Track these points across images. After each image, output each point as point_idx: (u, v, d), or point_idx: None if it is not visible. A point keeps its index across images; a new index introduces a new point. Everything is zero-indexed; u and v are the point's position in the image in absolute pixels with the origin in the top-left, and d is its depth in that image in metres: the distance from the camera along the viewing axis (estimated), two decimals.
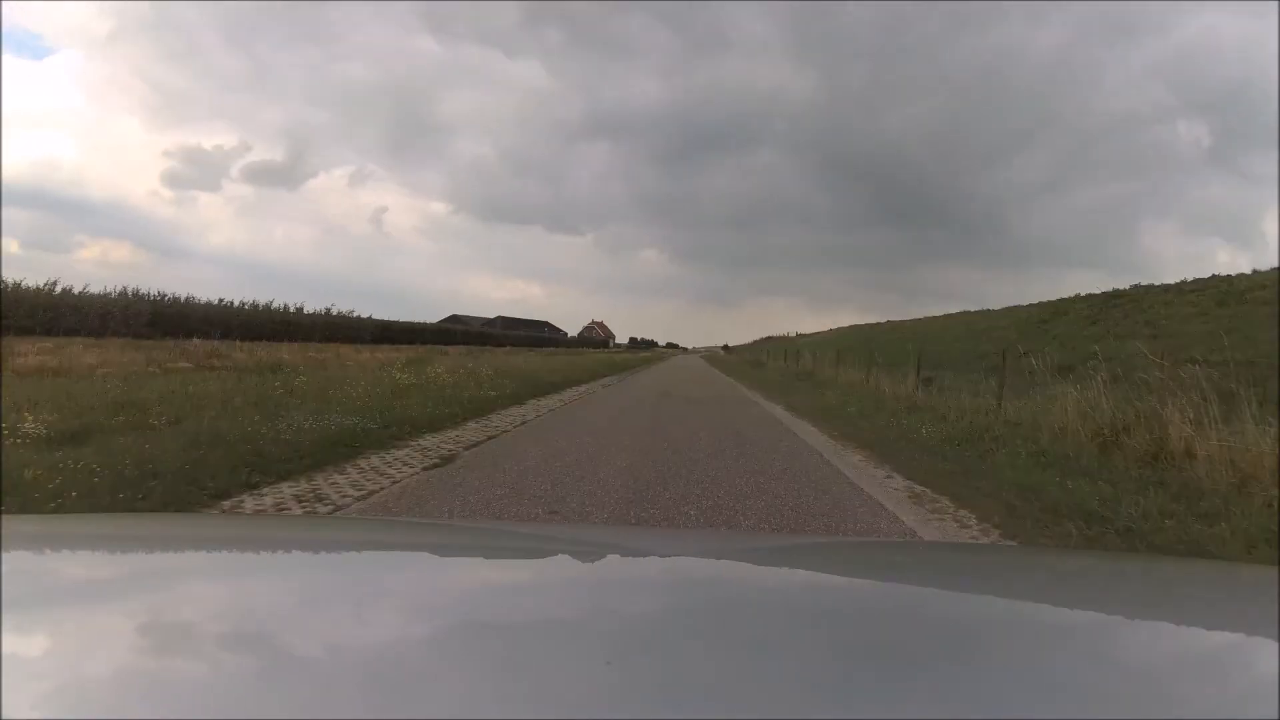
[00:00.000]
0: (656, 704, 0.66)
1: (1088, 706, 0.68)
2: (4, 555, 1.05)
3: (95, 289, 34.66)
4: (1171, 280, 27.69)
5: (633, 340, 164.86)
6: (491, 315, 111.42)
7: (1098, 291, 30.17)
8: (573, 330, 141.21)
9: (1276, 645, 0.86)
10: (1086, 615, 1.05)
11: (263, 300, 43.84)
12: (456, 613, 0.95)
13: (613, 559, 1.35)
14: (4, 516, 3.51)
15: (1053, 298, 33.27)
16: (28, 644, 0.76)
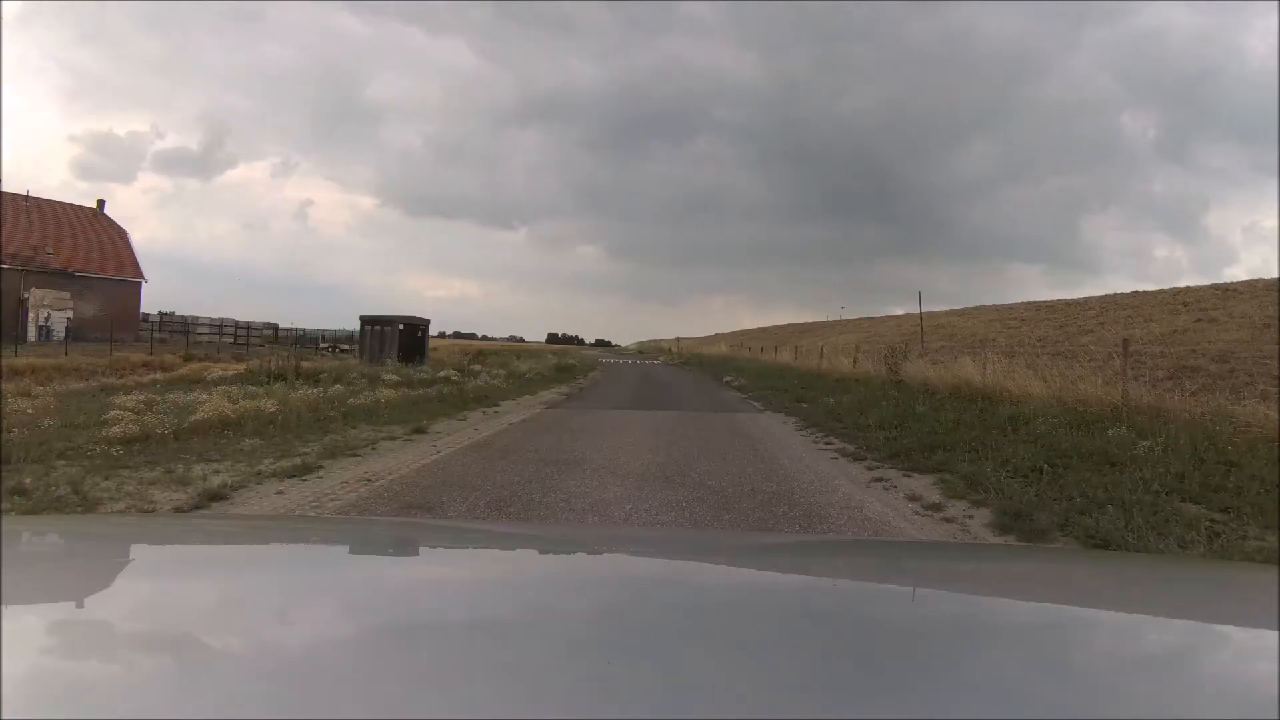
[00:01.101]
0: (658, 704, 0.66)
1: (1088, 706, 0.69)
2: (4, 555, 1.05)
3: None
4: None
5: (551, 336, 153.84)
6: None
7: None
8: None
9: (1276, 645, 0.87)
10: (1087, 615, 1.06)
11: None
12: (453, 613, 0.95)
13: (610, 558, 1.36)
14: (4, 516, 3.44)
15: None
16: (26, 644, 0.75)
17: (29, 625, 0.80)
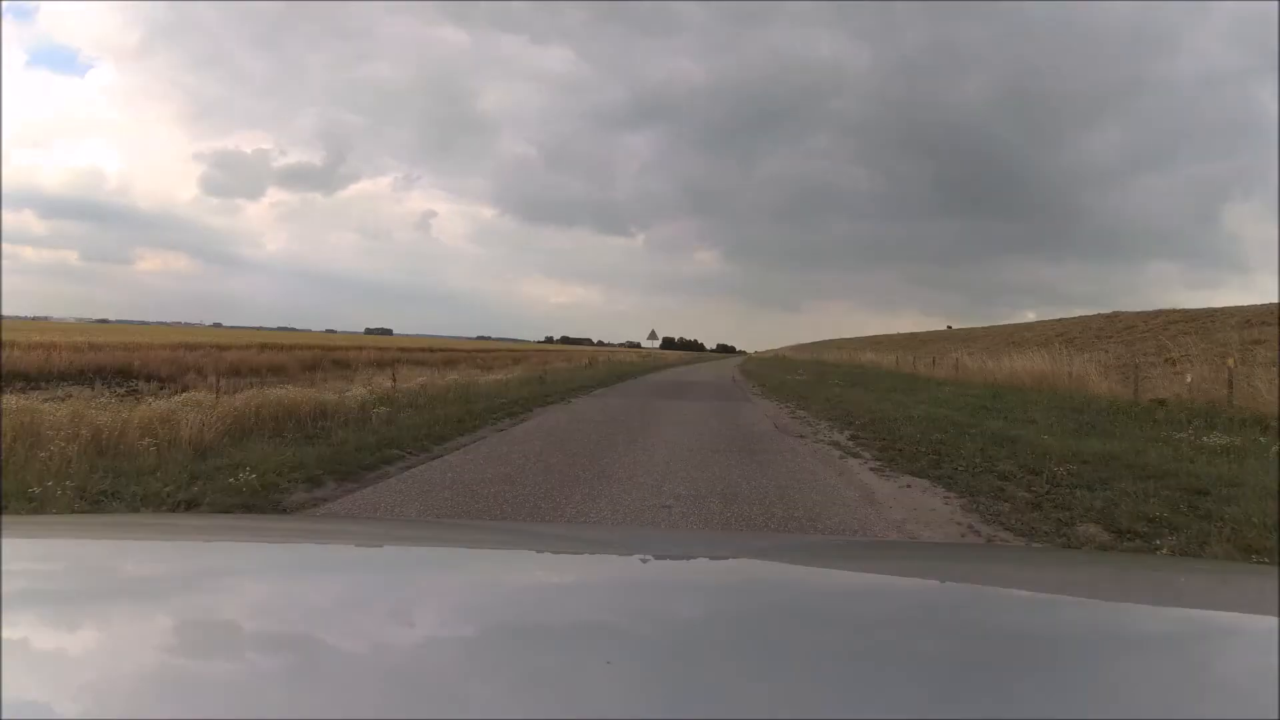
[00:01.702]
0: (657, 705, 0.66)
1: (1088, 708, 0.69)
2: (4, 555, 1.06)
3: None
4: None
5: (667, 341, 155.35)
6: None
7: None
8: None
9: (1276, 646, 0.86)
10: (1087, 616, 1.07)
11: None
12: (465, 616, 0.95)
13: (608, 559, 1.34)
14: (4, 517, 3.59)
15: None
16: (24, 644, 0.76)
17: (26, 625, 0.80)
